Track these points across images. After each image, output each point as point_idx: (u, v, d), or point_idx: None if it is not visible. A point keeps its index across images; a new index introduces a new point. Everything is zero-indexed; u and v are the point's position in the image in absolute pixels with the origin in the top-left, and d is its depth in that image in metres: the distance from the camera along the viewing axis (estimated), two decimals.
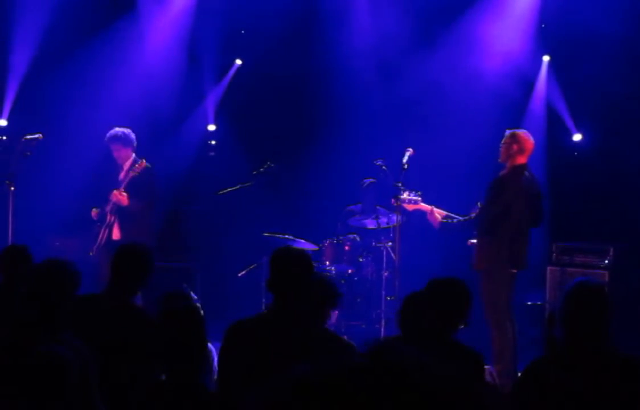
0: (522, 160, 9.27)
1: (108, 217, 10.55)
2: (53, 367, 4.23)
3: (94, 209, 10.63)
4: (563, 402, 4.73)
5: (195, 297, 6.44)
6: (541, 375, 4.87)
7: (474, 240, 9.48)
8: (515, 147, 9.28)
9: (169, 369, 4.42)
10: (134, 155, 10.71)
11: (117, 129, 10.71)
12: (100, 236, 10.58)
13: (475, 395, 1.90)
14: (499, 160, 9.42)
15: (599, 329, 4.78)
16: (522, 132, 9.43)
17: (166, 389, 4.37)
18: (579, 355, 4.79)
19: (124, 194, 10.38)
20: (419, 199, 10.01)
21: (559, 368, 4.81)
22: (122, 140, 10.63)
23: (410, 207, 10.07)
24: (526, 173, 9.28)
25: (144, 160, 10.48)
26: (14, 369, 4.39)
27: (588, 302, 4.81)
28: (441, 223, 9.77)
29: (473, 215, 9.42)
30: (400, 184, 10.09)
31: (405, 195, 10.02)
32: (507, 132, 9.43)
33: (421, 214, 10.05)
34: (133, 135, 10.70)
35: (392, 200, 10.32)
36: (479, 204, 9.37)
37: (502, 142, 9.38)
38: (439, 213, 9.83)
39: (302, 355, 4.98)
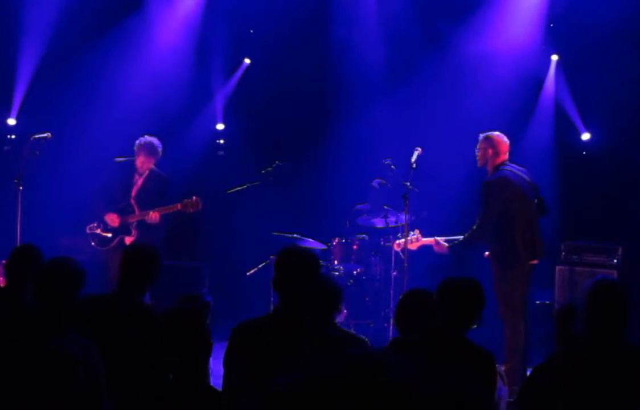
0: (500, 160, 9.26)
1: (133, 233, 10.53)
2: (60, 363, 4.24)
3: (111, 214, 10.58)
4: (583, 395, 4.73)
5: (210, 298, 6.45)
6: (558, 369, 4.88)
7: (488, 253, 9.42)
8: (490, 151, 9.28)
9: (176, 369, 4.42)
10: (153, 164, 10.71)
11: (154, 140, 10.64)
12: (118, 241, 10.54)
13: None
14: (478, 165, 9.42)
15: (620, 324, 4.84)
16: (495, 135, 9.39)
17: (173, 389, 4.37)
18: (600, 349, 4.81)
19: (158, 216, 10.37)
20: (419, 236, 9.99)
21: (578, 362, 4.83)
22: (157, 153, 10.59)
23: (414, 246, 10.04)
24: (508, 167, 9.25)
25: (200, 202, 10.42)
26: (22, 366, 4.40)
27: (611, 299, 4.87)
28: (449, 247, 9.73)
29: (475, 227, 9.37)
30: (408, 184, 10.09)
31: (406, 240, 10.00)
32: (481, 136, 9.41)
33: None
34: (160, 145, 10.68)
35: (395, 245, 10.35)
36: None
37: (477, 146, 9.37)
38: (442, 241, 9.80)
39: (308, 354, 4.99)
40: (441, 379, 1.84)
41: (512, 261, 9.08)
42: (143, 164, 10.61)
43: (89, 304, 5.88)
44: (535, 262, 9.22)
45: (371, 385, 1.75)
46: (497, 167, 9.22)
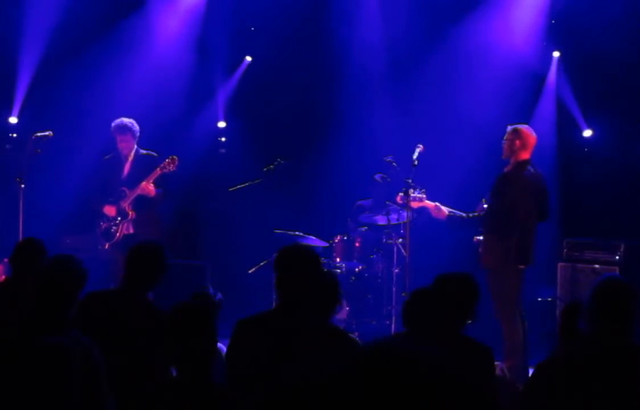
0: (525, 155, 9.24)
1: (130, 214, 10.59)
2: (54, 359, 4.25)
3: (107, 206, 10.64)
4: (587, 394, 4.72)
5: (220, 296, 6.47)
6: (562, 367, 4.87)
7: (480, 237, 9.45)
8: (518, 142, 9.25)
9: (179, 365, 4.43)
10: (136, 145, 10.76)
11: (124, 119, 10.73)
12: (120, 231, 10.60)
13: (485, 392, 1.91)
14: (502, 156, 9.40)
15: (627, 324, 4.83)
16: (524, 128, 9.39)
17: (177, 385, 4.38)
18: (605, 348, 4.81)
19: (151, 185, 10.43)
20: (424, 196, 10.01)
21: (583, 361, 4.82)
22: (132, 130, 10.69)
23: (415, 205, 10.08)
24: (530, 168, 9.25)
25: (176, 157, 10.51)
26: (15, 363, 4.41)
27: (618, 298, 4.86)
28: (448, 216, 9.78)
29: (478, 212, 9.40)
30: (410, 180, 10.09)
31: (410, 193, 10.03)
32: (509, 128, 9.40)
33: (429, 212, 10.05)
34: (137, 126, 10.76)
35: (398, 197, 10.34)
36: (484, 200, 9.36)
37: (505, 138, 9.36)
38: (446, 210, 9.84)
39: (308, 351, 5.00)
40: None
41: (502, 259, 9.09)
42: (123, 146, 10.70)
43: (93, 300, 5.89)
44: (522, 267, 9.23)
45: (392, 368, 1.77)
46: (521, 164, 9.19)
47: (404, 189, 10.12)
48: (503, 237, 9.11)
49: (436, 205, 9.88)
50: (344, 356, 1.84)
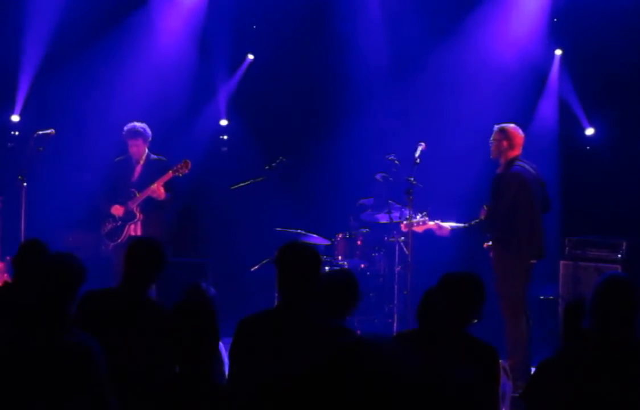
0: (514, 154, 9.24)
1: (138, 215, 10.61)
2: (77, 359, 4.25)
3: (115, 206, 10.65)
4: (590, 391, 4.72)
5: (214, 292, 6.45)
6: (566, 365, 4.87)
7: (490, 242, 9.42)
8: (505, 143, 9.24)
9: (182, 363, 4.43)
10: (147, 150, 10.77)
11: (136, 123, 10.73)
12: (126, 232, 10.62)
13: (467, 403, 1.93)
14: (491, 156, 9.40)
15: (629, 321, 4.84)
16: (510, 127, 9.36)
17: (179, 383, 4.38)
18: (608, 346, 4.81)
19: (162, 188, 10.45)
20: (426, 218, 10.01)
21: (586, 359, 4.82)
22: (143, 135, 10.69)
23: (420, 229, 10.08)
24: (521, 163, 9.24)
25: (189, 162, 10.54)
26: (32, 363, 4.41)
27: (620, 296, 4.86)
28: (451, 230, 9.79)
29: (482, 217, 9.37)
30: (412, 179, 10.08)
31: (414, 220, 10.02)
32: (496, 128, 9.38)
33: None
34: (150, 130, 10.77)
35: (402, 225, 10.35)
36: (485, 206, 9.34)
37: (492, 138, 9.34)
38: (447, 226, 9.84)
39: (310, 349, 4.99)
40: (427, 365, 1.88)
41: (514, 257, 9.08)
42: (134, 151, 10.72)
43: (94, 298, 5.88)
44: (534, 261, 9.22)
45: (357, 370, 1.78)
46: (511, 162, 9.19)
47: (408, 216, 10.11)
48: (512, 237, 9.10)
49: (437, 224, 9.87)
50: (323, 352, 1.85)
